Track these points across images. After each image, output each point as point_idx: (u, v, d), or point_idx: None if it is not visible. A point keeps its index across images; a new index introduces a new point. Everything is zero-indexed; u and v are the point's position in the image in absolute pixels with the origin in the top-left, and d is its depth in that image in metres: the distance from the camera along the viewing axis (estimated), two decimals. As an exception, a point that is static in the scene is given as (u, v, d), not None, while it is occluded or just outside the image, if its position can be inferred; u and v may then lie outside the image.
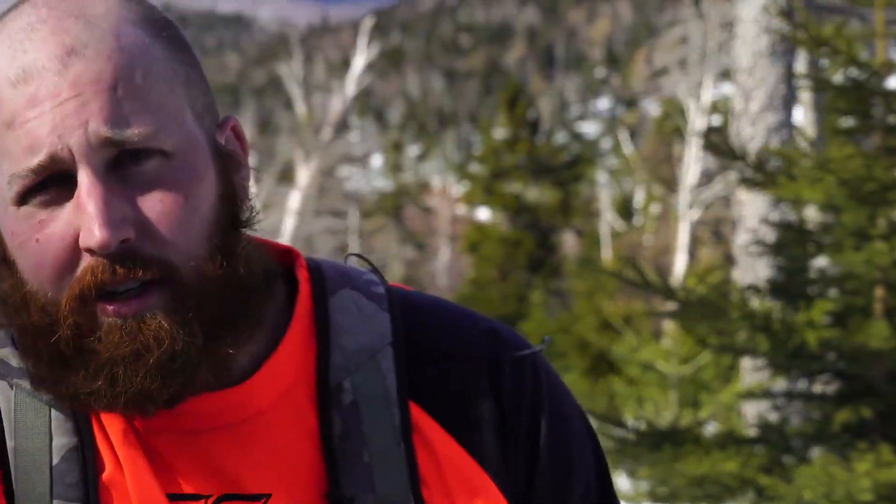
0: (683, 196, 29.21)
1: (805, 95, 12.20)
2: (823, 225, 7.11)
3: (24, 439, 1.32)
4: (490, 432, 1.38)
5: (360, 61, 35.58)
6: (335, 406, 1.35)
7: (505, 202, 35.46)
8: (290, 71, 37.31)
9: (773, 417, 7.68)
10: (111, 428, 1.33)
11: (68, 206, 1.26)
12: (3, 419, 1.33)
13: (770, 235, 7.85)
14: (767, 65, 9.83)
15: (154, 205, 1.26)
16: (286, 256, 1.42)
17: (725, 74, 26.65)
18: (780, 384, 7.80)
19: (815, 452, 6.81)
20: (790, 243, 7.07)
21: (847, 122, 7.17)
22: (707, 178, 29.04)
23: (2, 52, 1.28)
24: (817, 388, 7.22)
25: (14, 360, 1.34)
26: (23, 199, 1.27)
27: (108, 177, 1.25)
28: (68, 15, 1.28)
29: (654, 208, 43.16)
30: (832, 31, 6.77)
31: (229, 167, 1.33)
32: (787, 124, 9.89)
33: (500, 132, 37.65)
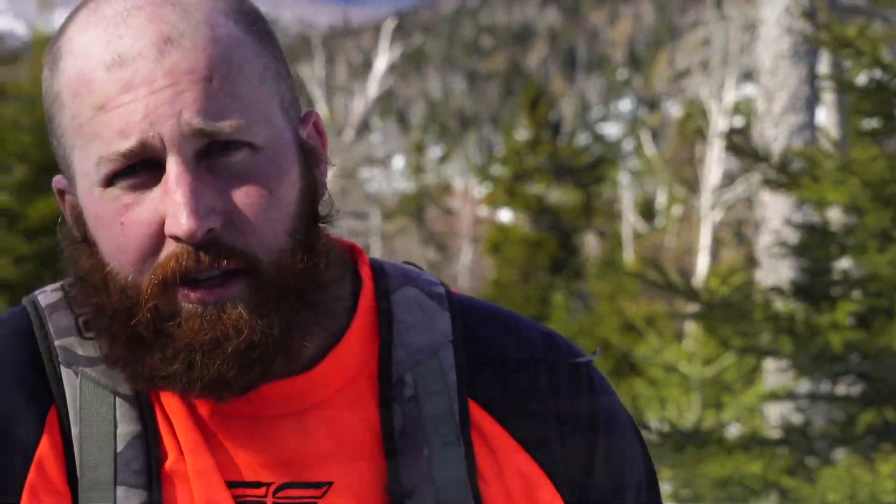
0: (705, 197, 29.14)
1: (828, 97, 12.18)
2: (847, 226, 7.09)
3: (88, 426, 1.33)
4: (547, 432, 1.40)
5: (381, 63, 35.60)
6: (396, 399, 1.36)
7: (527, 204, 35.42)
8: (312, 72, 37.35)
9: (797, 419, 7.67)
10: (175, 416, 1.34)
11: (155, 192, 1.28)
12: (69, 406, 1.33)
13: (793, 237, 7.84)
14: (790, 66, 9.82)
15: (240, 197, 1.28)
16: (350, 253, 1.44)
17: (748, 76, 26.59)
18: (804, 386, 7.79)
19: (839, 454, 6.80)
20: (813, 245, 7.05)
21: (870, 123, 7.15)
22: (729, 179, 28.98)
23: (96, 34, 1.30)
24: (841, 389, 7.20)
25: (80, 349, 1.35)
26: (110, 181, 1.29)
27: (197, 166, 1.27)
28: (164, 2, 1.30)
29: (676, 210, 43.06)
30: (855, 32, 6.76)
31: (311, 162, 1.35)
32: (809, 126, 9.87)
33: (521, 133, 37.61)
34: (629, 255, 37.77)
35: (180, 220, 1.25)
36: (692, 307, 7.51)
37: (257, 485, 1.34)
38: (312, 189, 1.34)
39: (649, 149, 46.32)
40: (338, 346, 1.37)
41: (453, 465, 1.36)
